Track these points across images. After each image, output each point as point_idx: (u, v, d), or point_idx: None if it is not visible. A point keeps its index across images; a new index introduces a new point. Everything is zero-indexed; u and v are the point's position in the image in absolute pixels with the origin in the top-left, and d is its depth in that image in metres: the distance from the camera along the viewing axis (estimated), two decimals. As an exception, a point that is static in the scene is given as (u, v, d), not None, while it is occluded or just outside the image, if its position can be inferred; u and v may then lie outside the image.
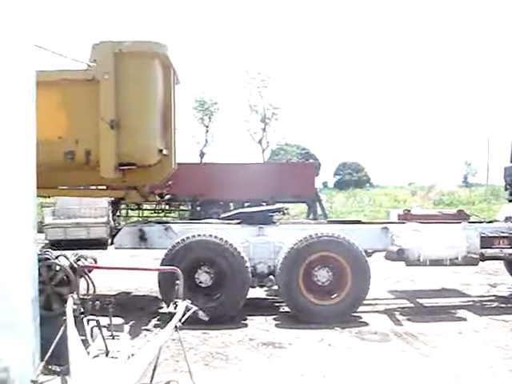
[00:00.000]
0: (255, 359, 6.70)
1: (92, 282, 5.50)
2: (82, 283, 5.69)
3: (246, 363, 6.54)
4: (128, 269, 5.06)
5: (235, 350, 7.06)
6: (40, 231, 20.87)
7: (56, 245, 17.19)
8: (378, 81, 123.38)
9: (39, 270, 5.47)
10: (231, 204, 27.37)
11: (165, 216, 27.03)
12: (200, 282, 8.43)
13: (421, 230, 9.25)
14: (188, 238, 8.41)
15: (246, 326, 8.23)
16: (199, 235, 8.45)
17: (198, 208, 26.97)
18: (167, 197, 9.91)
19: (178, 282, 5.26)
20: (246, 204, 26.74)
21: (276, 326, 8.28)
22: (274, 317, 8.72)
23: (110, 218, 19.39)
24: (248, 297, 8.56)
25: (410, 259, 9.03)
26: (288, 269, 8.40)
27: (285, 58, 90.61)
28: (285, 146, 56.92)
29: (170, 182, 9.83)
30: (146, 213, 27.72)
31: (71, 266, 5.39)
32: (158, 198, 9.33)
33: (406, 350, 7.02)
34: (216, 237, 8.41)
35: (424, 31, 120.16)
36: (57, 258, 5.45)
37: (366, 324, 8.33)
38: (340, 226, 9.39)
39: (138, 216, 27.74)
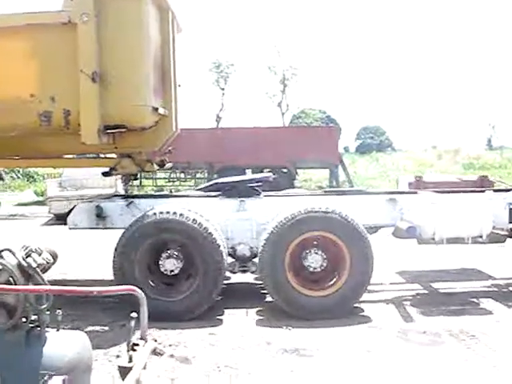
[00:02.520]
0: (274, 373, 5.27)
1: (47, 285, 4.10)
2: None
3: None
4: (70, 292, 3.66)
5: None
6: (44, 204, 19.91)
7: (61, 218, 16.12)
8: (400, 41, 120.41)
9: (-25, 269, 4.09)
10: (249, 171, 26.03)
11: (180, 185, 25.79)
12: (165, 270, 7.01)
13: (436, 202, 7.61)
14: (147, 215, 6.98)
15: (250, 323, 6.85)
16: (161, 212, 6.95)
17: (215, 176, 25.60)
18: (168, 165, 8.39)
19: (135, 313, 4.01)
20: (265, 170, 25.50)
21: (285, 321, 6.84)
22: (260, 309, 7.35)
23: (119, 189, 18.19)
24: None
25: (423, 237, 7.45)
26: (271, 253, 6.92)
27: (303, 18, 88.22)
28: (306, 109, 55.26)
29: (170, 148, 8.33)
30: (160, 182, 26.55)
31: (19, 265, 3.98)
32: (155, 167, 7.79)
33: (469, 359, 5.51)
34: (181, 214, 6.92)
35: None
36: (0, 253, 4.01)
37: (368, 318, 6.96)
38: (337, 198, 7.85)
39: (153, 185, 26.58)
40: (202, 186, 8.68)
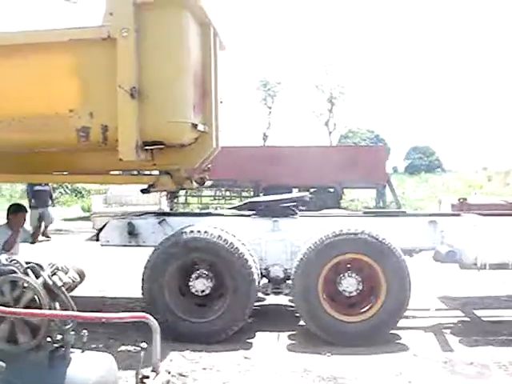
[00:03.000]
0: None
1: (72, 305, 3.93)
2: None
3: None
4: (77, 317, 3.47)
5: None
6: (89, 220, 20.04)
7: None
8: (448, 60, 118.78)
9: (-1, 287, 3.99)
10: (296, 190, 25.79)
11: (225, 203, 25.72)
12: (196, 291, 6.88)
13: (479, 225, 7.21)
14: (175, 235, 6.90)
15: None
16: (190, 231, 6.83)
17: (261, 194, 25.43)
18: (208, 183, 8.24)
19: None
20: (311, 190, 25.24)
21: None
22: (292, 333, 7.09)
23: (164, 206, 18.22)
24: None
25: (464, 262, 7.06)
26: (304, 276, 6.68)
27: (351, 37, 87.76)
28: (354, 129, 54.83)
29: (209, 166, 8.18)
30: (205, 199, 26.55)
31: (44, 283, 3.86)
32: (195, 185, 7.66)
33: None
34: (210, 233, 6.79)
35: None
36: (26, 270, 3.90)
37: (406, 346, 6.61)
38: (376, 220, 7.55)
39: (198, 203, 26.58)
40: (236, 204, 8.50)
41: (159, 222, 7.42)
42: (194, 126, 6.86)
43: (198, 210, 22.05)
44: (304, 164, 23.17)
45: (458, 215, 8.04)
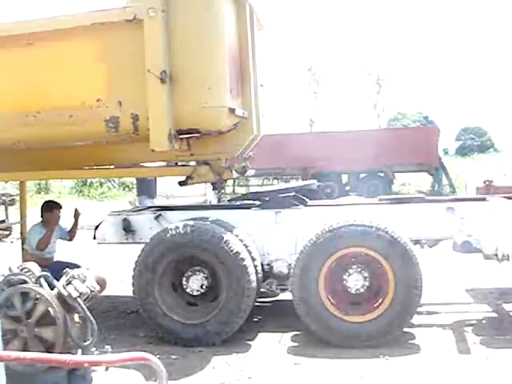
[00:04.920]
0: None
1: (90, 320, 3.42)
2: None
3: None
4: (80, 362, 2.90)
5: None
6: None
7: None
8: (500, 39, 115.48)
9: (9, 299, 3.51)
10: (345, 176, 25.17)
11: (274, 192, 25.18)
12: (191, 291, 6.35)
13: (503, 210, 6.41)
14: (167, 230, 6.38)
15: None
16: (182, 226, 6.31)
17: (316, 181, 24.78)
18: (251, 172, 7.67)
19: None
20: (361, 175, 24.60)
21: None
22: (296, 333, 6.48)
23: (209, 197, 17.76)
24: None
25: (484, 253, 6.33)
26: (304, 271, 6.07)
27: (397, 19, 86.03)
28: (403, 111, 53.61)
29: (251, 154, 7.61)
30: (253, 189, 26.06)
31: (58, 294, 3.37)
32: (235, 174, 7.11)
33: None
34: (203, 228, 6.26)
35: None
36: (38, 279, 3.42)
37: (417, 348, 5.94)
38: (389, 208, 6.90)
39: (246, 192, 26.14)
40: (238, 196, 7.91)
41: (156, 218, 6.94)
42: (232, 110, 6.31)
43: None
44: (352, 149, 22.45)
45: (483, 199, 7.32)
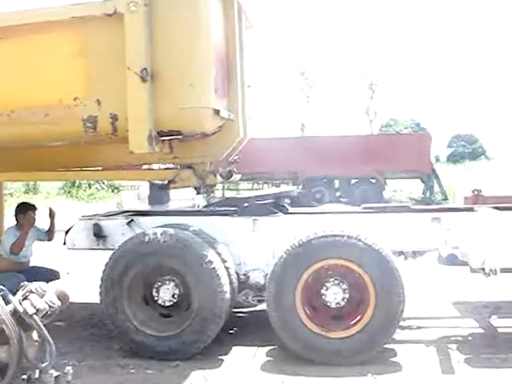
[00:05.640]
0: None
1: (47, 339, 3.09)
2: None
3: None
4: None
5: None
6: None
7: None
8: (487, 46, 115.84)
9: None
10: (336, 181, 24.95)
11: (263, 196, 24.91)
12: (163, 301, 5.99)
13: (491, 221, 6.08)
14: (135, 237, 6.08)
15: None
16: (150, 234, 5.98)
17: (300, 187, 24.57)
18: (237, 177, 7.35)
19: None
20: (352, 181, 24.41)
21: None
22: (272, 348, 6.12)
23: (198, 201, 17.44)
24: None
25: (471, 266, 6.03)
26: (279, 283, 5.72)
27: (390, 24, 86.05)
28: (395, 117, 53.55)
29: (236, 158, 7.29)
30: (242, 193, 25.78)
31: (14, 310, 3.04)
32: (219, 179, 6.79)
33: None
34: (171, 236, 5.91)
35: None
36: (-10, 294, 3.09)
37: (397, 366, 5.58)
38: (372, 217, 6.55)
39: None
40: (215, 201, 7.57)
41: (128, 223, 6.58)
42: (217, 112, 5.98)
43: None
44: (344, 154, 22.23)
45: (471, 210, 6.99)
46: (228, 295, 5.88)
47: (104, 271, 6.02)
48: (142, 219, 6.66)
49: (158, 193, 14.60)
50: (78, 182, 30.36)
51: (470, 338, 6.41)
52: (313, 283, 5.83)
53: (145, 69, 5.59)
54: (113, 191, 32.54)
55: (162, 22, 5.68)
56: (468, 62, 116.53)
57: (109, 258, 6.05)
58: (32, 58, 5.89)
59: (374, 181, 24.07)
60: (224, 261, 6.04)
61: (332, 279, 5.75)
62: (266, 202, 6.86)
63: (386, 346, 5.80)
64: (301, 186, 24.38)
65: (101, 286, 6.01)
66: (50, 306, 3.26)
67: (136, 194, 18.93)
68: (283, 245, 5.88)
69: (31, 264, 7.67)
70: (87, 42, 5.80)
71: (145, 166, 8.46)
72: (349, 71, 45.80)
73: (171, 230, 6.01)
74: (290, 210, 7.16)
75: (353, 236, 5.69)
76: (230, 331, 6.59)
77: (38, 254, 7.90)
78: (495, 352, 5.84)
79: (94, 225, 6.66)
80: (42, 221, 7.74)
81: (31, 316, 3.14)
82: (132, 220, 6.59)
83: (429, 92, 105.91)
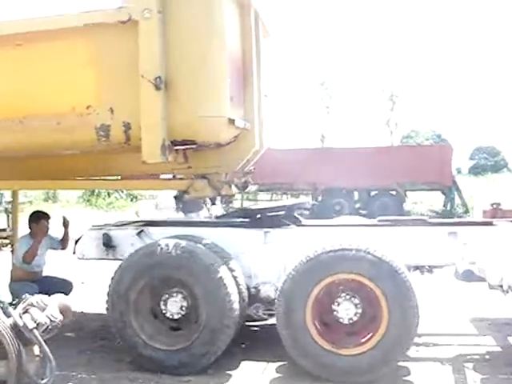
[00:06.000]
0: None
1: (47, 354, 2.97)
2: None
3: None
4: None
5: None
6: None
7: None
8: (510, 58, 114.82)
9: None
10: (355, 193, 24.71)
11: (281, 207, 24.77)
12: (171, 314, 5.86)
13: (509, 237, 5.90)
14: (143, 248, 6.00)
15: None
16: (157, 245, 5.88)
17: (319, 198, 24.41)
18: (252, 188, 7.23)
19: None
20: (372, 193, 24.18)
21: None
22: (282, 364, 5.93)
23: (216, 211, 17.34)
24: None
25: (489, 283, 5.82)
26: (289, 298, 5.55)
27: (411, 37, 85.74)
28: (416, 128, 53.18)
29: (251, 168, 7.16)
30: (256, 204, 25.66)
31: (14, 324, 2.92)
32: (234, 190, 6.67)
33: None
34: (180, 247, 5.79)
35: None
36: (-11, 307, 2.97)
37: None
38: (386, 231, 6.37)
39: (253, 207, 25.75)
40: (226, 213, 7.44)
41: (137, 233, 6.50)
42: (232, 121, 5.86)
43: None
44: (364, 165, 22.02)
45: (490, 224, 6.80)
46: (237, 305, 5.74)
47: (110, 285, 5.93)
48: (151, 230, 6.57)
49: (191, 201, 14.37)
50: (97, 190, 30.44)
51: (487, 357, 6.19)
52: (323, 299, 5.67)
53: (159, 77, 5.48)
54: (132, 200, 32.56)
55: (176, 29, 5.57)
56: (491, 74, 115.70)
57: (115, 271, 5.95)
58: (44, 65, 5.79)
59: (394, 193, 23.79)
60: (233, 272, 5.91)
61: (343, 294, 5.59)
62: (279, 213, 6.71)
63: (399, 363, 5.62)
64: (320, 198, 24.26)
65: (107, 301, 5.92)
66: (51, 321, 3.14)
67: (154, 203, 18.86)
68: (294, 258, 5.73)
69: (45, 274, 7.61)
70: (101, 50, 5.70)
71: (163, 176, 8.40)
72: (369, 82, 45.70)
73: (178, 241, 5.90)
74: (304, 222, 7.04)
75: (362, 249, 5.52)
76: (242, 345, 6.44)
77: (53, 263, 7.83)
78: None
79: (103, 235, 6.59)
80: (58, 229, 7.66)
81: (31, 330, 3.02)
82: (142, 230, 6.51)
83: (450, 103, 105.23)
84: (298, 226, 6.76)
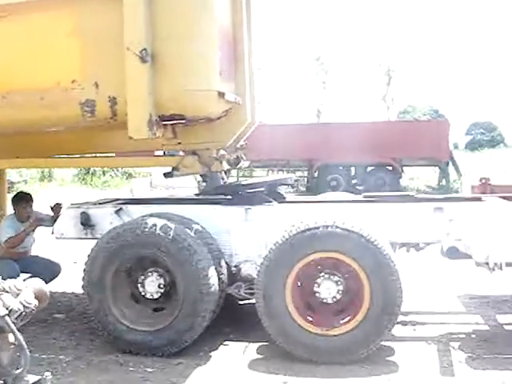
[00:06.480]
0: None
1: (20, 343, 2.80)
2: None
3: None
4: None
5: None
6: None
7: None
8: (507, 33, 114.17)
9: None
10: (352, 168, 24.55)
11: (277, 184, 24.63)
12: (151, 295, 5.70)
13: (497, 213, 5.72)
14: (116, 228, 5.78)
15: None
16: (131, 224, 5.74)
17: (315, 174, 24.28)
18: (245, 164, 7.05)
19: None
20: (369, 169, 24.04)
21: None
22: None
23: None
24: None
25: (475, 260, 5.66)
26: (267, 280, 5.39)
27: (407, 12, 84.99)
28: (413, 104, 52.88)
29: (243, 143, 6.97)
30: (239, 181, 25.50)
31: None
32: (225, 167, 6.48)
33: None
34: (154, 225, 5.57)
35: None
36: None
37: (394, 366, 5.21)
38: (369, 207, 6.18)
39: (250, 184, 25.61)
40: (206, 190, 7.22)
41: (116, 212, 6.28)
42: (221, 95, 5.64)
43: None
44: (360, 141, 21.81)
45: (478, 199, 6.61)
46: (214, 281, 5.55)
47: (83, 278, 5.75)
48: (130, 208, 6.35)
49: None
50: (92, 169, 30.22)
51: (473, 336, 6.03)
52: (303, 278, 5.50)
53: (144, 49, 5.27)
54: (127, 178, 32.32)
55: (163, -1, 5.36)
56: (488, 48, 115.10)
57: (85, 263, 5.76)
58: (27, 38, 5.58)
59: (390, 168, 23.65)
60: (210, 249, 5.72)
61: (324, 274, 5.41)
62: (260, 189, 6.50)
63: (383, 343, 5.45)
64: (316, 173, 24.11)
65: (84, 293, 5.79)
66: (24, 307, 2.97)
67: (149, 180, 18.75)
68: (276, 235, 5.54)
69: (33, 253, 7.43)
70: (85, 21, 5.49)
71: (158, 152, 8.20)
72: (366, 57, 45.24)
73: (153, 219, 5.70)
74: (286, 198, 6.87)
75: (336, 225, 5.33)
76: (226, 328, 6.27)
77: (46, 242, 7.60)
78: (499, 351, 5.48)
79: (81, 213, 6.36)
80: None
81: (3, 317, 2.86)
82: (121, 208, 6.30)
83: (447, 79, 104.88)
84: (281, 202, 6.56)
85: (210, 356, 5.59)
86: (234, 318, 5.81)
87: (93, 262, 5.69)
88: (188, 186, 16.80)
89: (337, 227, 5.33)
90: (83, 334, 6.20)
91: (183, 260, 5.47)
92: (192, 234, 5.63)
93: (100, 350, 5.70)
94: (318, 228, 5.36)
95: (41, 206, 7.34)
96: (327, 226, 5.34)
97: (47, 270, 6.89)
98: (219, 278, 5.65)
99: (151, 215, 5.89)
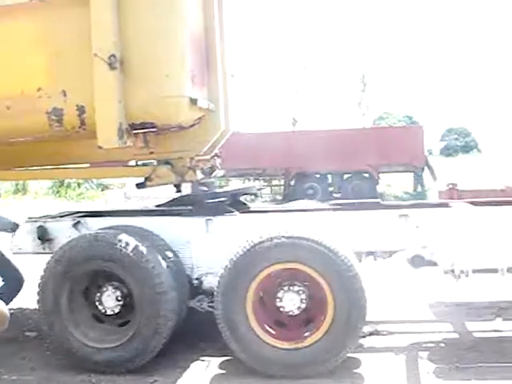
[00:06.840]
0: None
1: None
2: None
3: None
4: None
5: None
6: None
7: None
8: (480, 40, 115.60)
9: None
10: (329, 176, 24.52)
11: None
12: (111, 310, 5.52)
13: (463, 219, 5.64)
14: (65, 245, 5.59)
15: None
16: (84, 237, 5.58)
17: (292, 182, 24.22)
18: (219, 173, 6.88)
19: None
20: (345, 176, 24.03)
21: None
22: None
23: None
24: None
25: (440, 268, 5.58)
26: (229, 289, 5.24)
27: (381, 17, 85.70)
28: (388, 111, 53.24)
29: (217, 152, 6.78)
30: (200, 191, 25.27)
31: None
32: (199, 176, 6.30)
33: None
34: (111, 236, 5.45)
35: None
36: None
37: (360, 379, 5.08)
38: (334, 215, 6.03)
39: (226, 194, 25.45)
40: (167, 201, 7.04)
41: (74, 225, 6.08)
42: (194, 101, 5.47)
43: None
44: (336, 148, 21.80)
45: (445, 205, 6.53)
46: (173, 295, 5.37)
47: (38, 302, 5.53)
48: (89, 220, 6.13)
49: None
50: (67, 181, 29.84)
51: (442, 345, 5.87)
52: (263, 291, 5.33)
53: (113, 55, 5.09)
54: (102, 190, 31.96)
55: (131, 4, 5.20)
56: (461, 55, 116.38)
57: (38, 284, 5.53)
58: (-10, 45, 5.39)
59: (367, 175, 23.65)
60: (169, 262, 5.52)
61: (284, 286, 5.25)
62: (222, 200, 6.32)
63: (350, 354, 5.25)
64: (292, 182, 24.02)
65: (39, 315, 5.59)
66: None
67: (124, 192, 18.44)
68: (238, 246, 5.37)
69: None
70: (50, 29, 5.29)
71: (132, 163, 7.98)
72: (340, 64, 45.29)
73: (107, 232, 5.56)
74: (251, 208, 6.77)
75: (294, 236, 5.20)
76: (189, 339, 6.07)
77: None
78: (469, 362, 5.32)
79: (38, 227, 6.13)
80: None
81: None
82: (79, 222, 6.09)
83: (422, 86, 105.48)
84: (243, 212, 6.40)
85: (187, 372, 5.39)
86: (210, 333, 5.59)
87: (44, 289, 5.47)
88: (164, 196, 16.53)
89: (294, 237, 5.19)
90: (55, 352, 5.94)
91: (135, 266, 5.30)
92: (151, 247, 5.45)
93: (72, 370, 5.45)
94: (277, 238, 5.20)
95: (16, 219, 7.05)
96: (287, 237, 5.20)
97: (10, 283, 6.60)
98: (178, 290, 5.47)
99: (110, 228, 5.73)
